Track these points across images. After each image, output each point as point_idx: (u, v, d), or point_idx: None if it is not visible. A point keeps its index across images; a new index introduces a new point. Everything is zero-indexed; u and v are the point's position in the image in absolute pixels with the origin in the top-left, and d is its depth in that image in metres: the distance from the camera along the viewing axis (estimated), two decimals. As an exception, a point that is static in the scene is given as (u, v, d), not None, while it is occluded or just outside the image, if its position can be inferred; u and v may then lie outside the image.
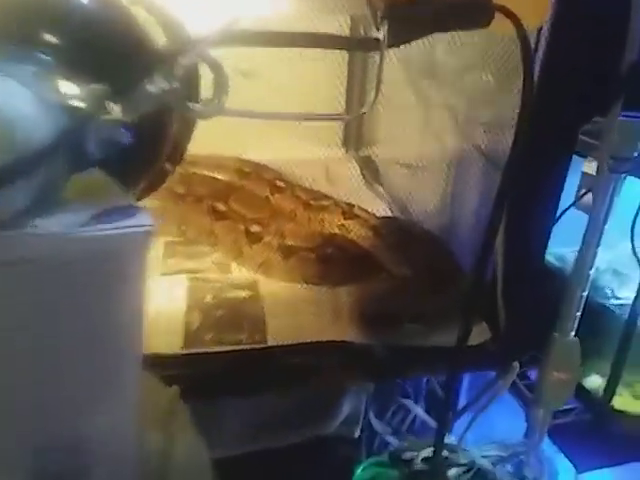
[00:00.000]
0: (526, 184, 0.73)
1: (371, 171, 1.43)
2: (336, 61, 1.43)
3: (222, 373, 0.75)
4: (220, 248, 0.98)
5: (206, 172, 1.10)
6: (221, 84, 0.44)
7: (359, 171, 1.42)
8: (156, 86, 0.40)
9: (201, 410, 0.85)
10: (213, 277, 0.92)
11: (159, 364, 0.72)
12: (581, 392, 0.96)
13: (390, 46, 0.52)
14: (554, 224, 0.82)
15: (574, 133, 0.75)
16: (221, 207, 0.97)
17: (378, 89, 0.57)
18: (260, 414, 0.96)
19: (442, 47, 1.06)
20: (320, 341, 0.76)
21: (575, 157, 0.79)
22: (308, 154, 1.44)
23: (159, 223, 1.03)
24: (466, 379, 1.10)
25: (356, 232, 0.94)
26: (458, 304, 0.81)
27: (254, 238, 0.93)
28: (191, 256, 0.98)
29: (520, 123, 0.71)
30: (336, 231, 0.97)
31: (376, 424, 1.12)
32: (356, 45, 0.96)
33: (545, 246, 0.77)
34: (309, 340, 0.77)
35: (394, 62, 1.18)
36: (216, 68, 0.44)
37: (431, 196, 1.11)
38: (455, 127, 1.08)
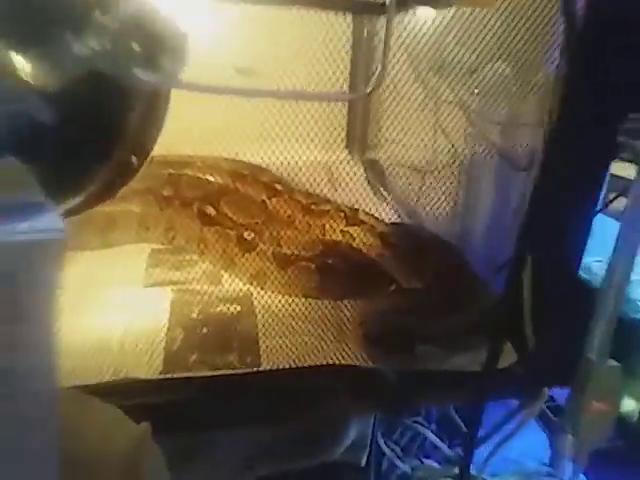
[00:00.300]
0: (559, 188, 0.63)
1: (376, 175, 1.34)
2: (338, 58, 1.35)
3: (208, 402, 0.64)
4: (209, 257, 0.88)
5: (199, 174, 1.00)
6: (175, 50, 0.35)
7: (363, 175, 1.33)
8: (82, 44, 0.30)
9: (192, 439, 0.75)
10: (201, 289, 0.82)
11: (133, 392, 0.62)
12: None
13: (399, 10, 0.43)
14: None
15: (613, 131, 0.65)
16: (211, 211, 0.87)
17: (385, 64, 0.48)
18: (258, 441, 0.86)
19: (454, 39, 0.97)
20: (320, 365, 0.66)
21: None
22: (310, 157, 1.36)
23: (143, 229, 0.94)
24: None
25: (361, 239, 0.84)
26: (479, 322, 0.72)
27: (247, 246, 0.83)
28: (177, 266, 0.88)
29: (551, 119, 0.62)
30: (339, 238, 0.87)
31: (385, 448, 1.01)
32: (362, 8, 0.87)
33: (580, 257, 0.67)
34: (308, 364, 0.67)
35: (402, 58, 1.09)
36: (168, 30, 0.34)
37: (441, 201, 1.02)
38: (468, 126, 0.99)
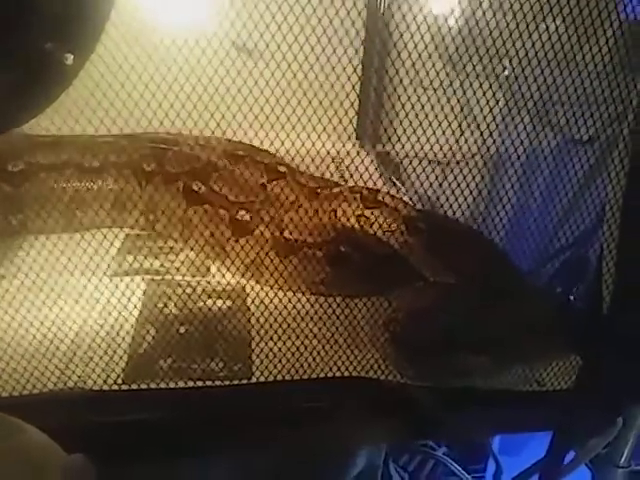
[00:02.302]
0: None
1: (389, 167, 1.21)
2: (349, 41, 1.23)
3: (182, 423, 0.48)
4: (197, 242, 0.72)
5: (187, 151, 0.85)
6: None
7: (375, 167, 1.19)
8: None
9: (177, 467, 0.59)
10: (182, 280, 0.66)
11: (80, 407, 0.46)
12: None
13: None
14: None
15: None
16: (199, 188, 0.72)
17: None
18: (253, 468, 0.69)
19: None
20: (328, 377, 0.50)
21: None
22: (318, 148, 1.23)
23: (118, 209, 0.79)
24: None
25: (381, 224, 0.69)
26: (535, 327, 0.56)
27: (241, 229, 0.68)
28: (155, 253, 0.73)
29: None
30: (353, 224, 0.71)
31: (396, 476, 0.86)
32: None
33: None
34: (312, 376, 0.51)
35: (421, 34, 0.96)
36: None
37: (467, 192, 0.87)
38: (507, 104, 0.85)
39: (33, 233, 0.75)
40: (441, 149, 1.00)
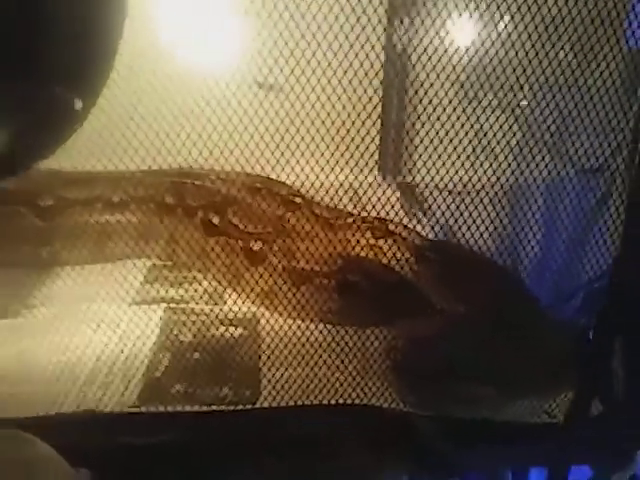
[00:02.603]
0: None
1: (411, 198, 1.22)
2: (370, 74, 1.26)
3: (190, 447, 0.50)
4: (213, 272, 0.75)
5: (206, 184, 0.89)
6: None
7: (396, 198, 1.21)
8: None
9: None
10: (199, 309, 0.69)
11: (93, 427, 0.49)
12: None
13: None
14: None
15: None
16: (216, 220, 0.75)
17: None
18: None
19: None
20: (336, 404, 0.51)
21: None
22: (339, 179, 1.26)
23: (142, 241, 0.82)
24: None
25: (391, 254, 0.70)
26: (548, 359, 0.56)
27: (255, 258, 0.70)
28: (176, 283, 0.76)
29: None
30: (364, 253, 0.73)
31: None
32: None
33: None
34: (319, 402, 0.52)
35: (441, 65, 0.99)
36: None
37: (486, 221, 0.87)
38: (526, 136, 0.86)
39: (63, 264, 0.79)
40: (460, 180, 1.02)
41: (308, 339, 0.61)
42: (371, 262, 0.71)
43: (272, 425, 0.51)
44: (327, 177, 1.10)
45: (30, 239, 0.79)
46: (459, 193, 1.05)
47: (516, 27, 0.67)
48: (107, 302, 0.69)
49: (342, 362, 0.59)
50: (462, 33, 0.79)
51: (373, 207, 1.11)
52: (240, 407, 0.52)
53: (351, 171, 1.27)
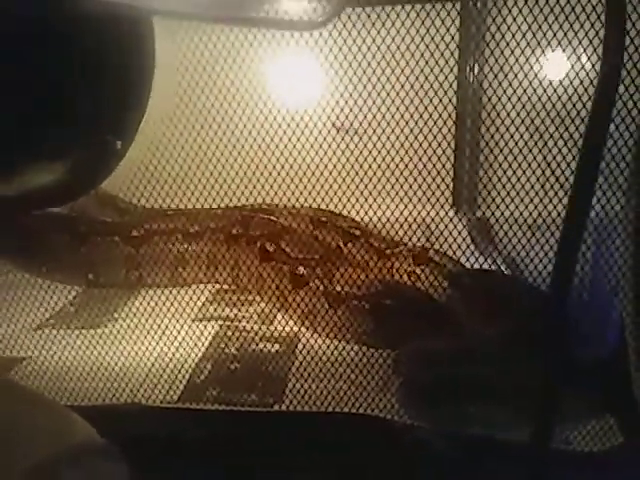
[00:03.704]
0: None
1: (484, 233, 1.20)
2: (443, 119, 1.29)
3: (212, 439, 0.56)
4: (265, 295, 0.82)
5: (272, 217, 0.98)
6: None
7: (467, 233, 1.20)
8: None
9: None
10: (248, 327, 0.76)
11: (139, 417, 0.57)
12: None
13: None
14: None
15: None
16: (270, 247, 0.83)
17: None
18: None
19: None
20: (341, 412, 0.54)
21: None
22: (412, 214, 1.28)
23: (212, 268, 0.93)
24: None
25: (428, 280, 0.72)
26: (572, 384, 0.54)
27: (299, 282, 0.76)
28: (234, 304, 0.84)
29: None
30: (405, 280, 0.75)
31: None
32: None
33: None
34: (333, 410, 0.56)
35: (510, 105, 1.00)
36: None
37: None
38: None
39: (146, 286, 0.92)
40: (530, 215, 1.00)
41: (337, 357, 0.65)
42: (407, 287, 0.73)
43: (282, 427, 0.55)
44: (400, 214, 1.15)
45: (122, 264, 0.93)
46: (529, 227, 1.03)
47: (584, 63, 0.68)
48: (172, 319, 0.79)
49: (362, 378, 0.61)
50: (536, 67, 0.81)
51: (445, 240, 1.12)
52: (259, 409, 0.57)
53: (424, 207, 1.30)
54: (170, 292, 0.89)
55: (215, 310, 0.82)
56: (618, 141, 0.62)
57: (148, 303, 0.83)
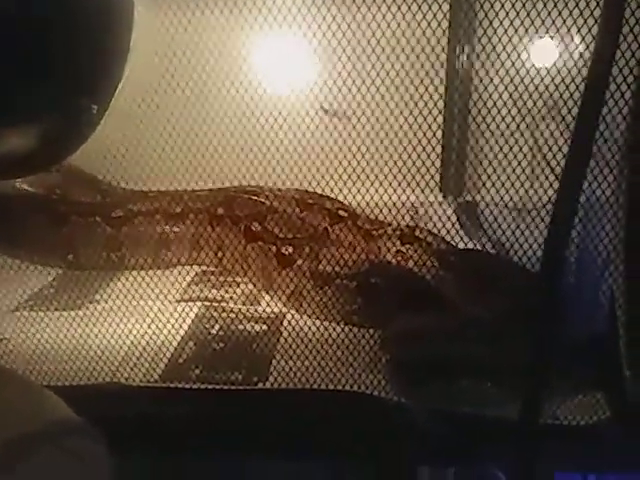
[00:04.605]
0: None
1: (471, 217, 1.20)
2: (432, 103, 1.28)
3: (195, 417, 0.54)
4: (251, 275, 0.80)
5: (257, 198, 0.96)
6: None
7: (455, 216, 1.20)
8: None
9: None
10: (232, 308, 0.75)
11: (118, 396, 0.55)
12: None
13: None
14: None
15: None
16: (255, 227, 0.81)
17: None
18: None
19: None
20: (329, 390, 0.53)
21: None
22: (400, 198, 1.28)
23: (196, 250, 0.91)
24: None
25: (416, 259, 0.71)
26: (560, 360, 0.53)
27: (285, 262, 0.74)
28: (218, 285, 0.82)
29: None
30: (392, 259, 0.74)
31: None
32: None
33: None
34: (319, 387, 0.55)
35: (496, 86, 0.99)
36: None
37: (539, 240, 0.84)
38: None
39: (129, 268, 0.90)
40: (520, 199, 0.99)
41: (323, 336, 0.64)
42: (394, 266, 0.72)
43: (266, 406, 0.53)
44: (389, 198, 1.13)
45: (103, 245, 0.90)
46: (518, 211, 1.02)
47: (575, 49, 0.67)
48: (155, 300, 0.77)
49: (350, 355, 0.60)
50: (523, 54, 0.80)
51: (434, 225, 1.11)
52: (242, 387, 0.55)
53: (413, 191, 1.28)
54: (153, 274, 0.88)
55: (200, 291, 0.80)
56: (610, 124, 0.62)
57: (131, 284, 0.81)
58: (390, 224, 0.88)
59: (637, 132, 0.55)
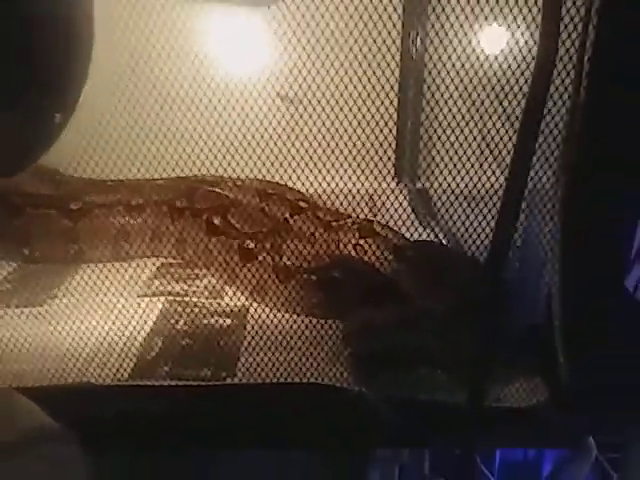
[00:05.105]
0: (597, 191, 0.51)
1: (425, 204, 1.25)
2: (386, 90, 1.30)
3: (169, 415, 0.57)
4: (214, 269, 0.82)
5: (219, 189, 0.97)
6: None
7: (408, 204, 1.24)
8: None
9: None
10: (196, 302, 0.76)
11: (90, 396, 0.56)
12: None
13: None
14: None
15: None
16: (217, 221, 0.82)
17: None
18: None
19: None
20: (292, 383, 0.56)
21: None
22: (355, 186, 1.30)
23: (156, 241, 0.91)
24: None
25: (373, 253, 0.75)
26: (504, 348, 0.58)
27: (247, 256, 0.76)
28: (181, 279, 0.83)
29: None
30: (351, 252, 0.78)
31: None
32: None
33: (622, 267, 0.53)
34: (285, 381, 0.58)
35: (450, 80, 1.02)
36: None
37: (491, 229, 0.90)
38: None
39: (87, 261, 0.89)
40: (475, 186, 1.04)
41: (285, 329, 0.67)
42: (354, 260, 0.75)
43: (236, 400, 0.56)
44: (344, 185, 1.16)
45: (60, 238, 0.89)
46: (467, 198, 1.07)
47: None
48: (117, 295, 0.78)
49: (317, 350, 0.63)
50: (476, 41, 0.83)
51: (387, 210, 1.15)
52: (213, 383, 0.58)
53: (367, 178, 1.31)
54: (112, 266, 0.88)
55: (161, 285, 0.81)
56: (555, 117, 0.66)
57: (90, 278, 0.81)
58: (350, 216, 0.91)
59: (572, 127, 0.59)
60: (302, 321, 0.69)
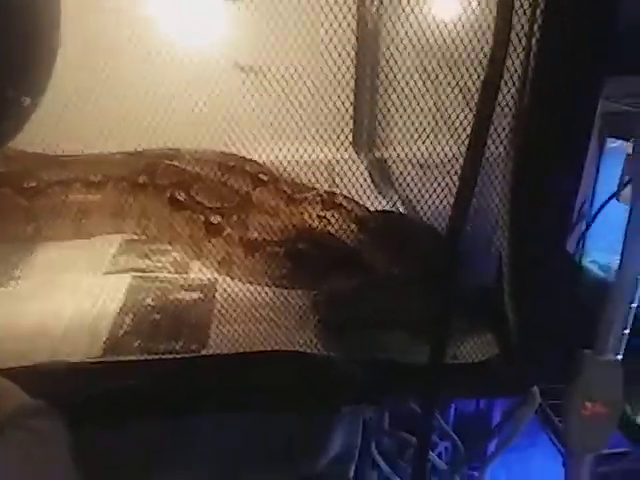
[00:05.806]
0: (539, 157, 0.55)
1: (382, 174, 1.27)
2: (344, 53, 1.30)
3: (142, 388, 0.58)
4: (179, 244, 0.83)
5: (180, 164, 0.96)
6: None
7: (367, 173, 1.26)
8: None
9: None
10: (163, 277, 0.77)
11: (66, 374, 0.57)
12: (636, 433, 0.73)
13: None
14: (593, 220, 0.64)
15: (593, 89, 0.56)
16: (181, 196, 0.82)
17: None
18: (230, 453, 0.78)
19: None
20: (263, 351, 0.59)
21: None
22: (313, 155, 1.31)
23: (118, 218, 0.90)
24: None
25: (337, 225, 0.77)
26: (460, 310, 0.63)
27: (214, 230, 0.77)
28: (146, 254, 0.84)
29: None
30: (315, 224, 0.80)
31: (378, 458, 0.92)
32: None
33: (564, 234, 0.58)
34: (257, 350, 0.60)
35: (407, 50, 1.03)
36: None
37: (446, 197, 0.93)
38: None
39: (46, 240, 0.88)
40: (430, 155, 1.07)
41: (254, 300, 0.69)
42: (319, 232, 0.78)
43: (209, 371, 0.59)
44: (302, 155, 1.17)
45: (16, 217, 0.87)
46: (424, 167, 1.11)
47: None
48: (82, 272, 0.77)
49: (286, 318, 0.66)
50: (430, 9, 0.84)
51: (345, 179, 1.17)
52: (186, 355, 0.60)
53: (325, 145, 1.32)
54: (74, 244, 0.87)
55: (127, 262, 0.81)
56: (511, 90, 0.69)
57: (51, 256, 0.80)
58: (313, 188, 0.93)
59: (523, 97, 0.63)
60: (271, 291, 0.71)
